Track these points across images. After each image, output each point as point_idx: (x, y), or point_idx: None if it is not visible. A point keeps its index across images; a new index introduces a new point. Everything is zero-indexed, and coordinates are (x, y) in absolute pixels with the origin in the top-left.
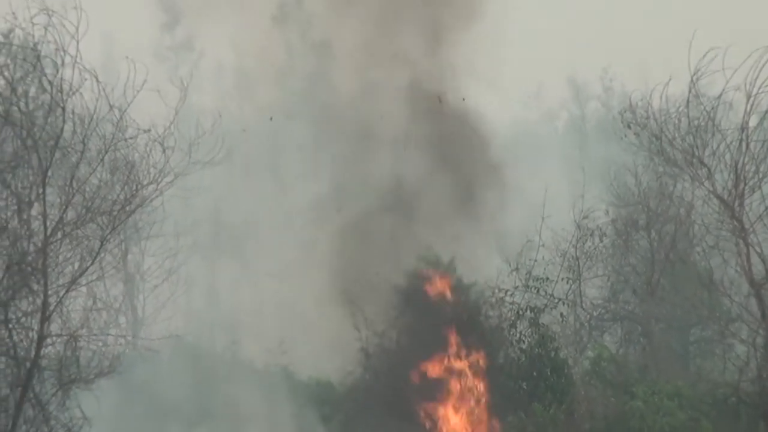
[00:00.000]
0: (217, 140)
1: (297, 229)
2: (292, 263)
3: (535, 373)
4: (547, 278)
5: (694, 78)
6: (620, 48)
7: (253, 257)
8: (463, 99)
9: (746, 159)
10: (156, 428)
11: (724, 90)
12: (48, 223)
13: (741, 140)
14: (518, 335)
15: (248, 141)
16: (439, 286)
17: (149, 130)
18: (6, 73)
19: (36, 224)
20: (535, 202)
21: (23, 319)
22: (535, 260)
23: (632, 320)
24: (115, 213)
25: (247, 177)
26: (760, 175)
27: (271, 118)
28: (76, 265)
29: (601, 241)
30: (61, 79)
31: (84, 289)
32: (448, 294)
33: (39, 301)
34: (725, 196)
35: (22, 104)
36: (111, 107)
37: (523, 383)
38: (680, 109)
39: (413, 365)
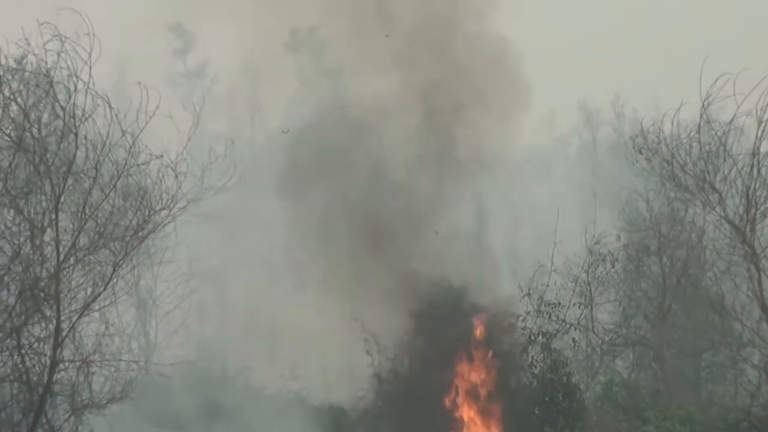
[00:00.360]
0: (230, 166)
1: (309, 254)
2: (304, 288)
3: (547, 398)
4: (559, 303)
5: (706, 103)
6: (632, 74)
7: (266, 283)
8: None
9: (757, 184)
10: None
11: (735, 115)
12: (61, 249)
13: (752, 166)
14: (530, 360)
15: (260, 165)
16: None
17: (162, 156)
18: (19, 100)
19: (49, 250)
20: (547, 227)
21: (36, 345)
22: (547, 285)
23: (644, 345)
24: (127, 239)
25: (260, 201)
26: None
27: (287, 131)
28: (89, 290)
29: (613, 266)
30: (74, 105)
31: (96, 314)
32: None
33: (52, 327)
34: (737, 222)
35: (34, 130)
36: (123, 133)
37: (535, 408)
38: (691, 135)
39: (426, 390)
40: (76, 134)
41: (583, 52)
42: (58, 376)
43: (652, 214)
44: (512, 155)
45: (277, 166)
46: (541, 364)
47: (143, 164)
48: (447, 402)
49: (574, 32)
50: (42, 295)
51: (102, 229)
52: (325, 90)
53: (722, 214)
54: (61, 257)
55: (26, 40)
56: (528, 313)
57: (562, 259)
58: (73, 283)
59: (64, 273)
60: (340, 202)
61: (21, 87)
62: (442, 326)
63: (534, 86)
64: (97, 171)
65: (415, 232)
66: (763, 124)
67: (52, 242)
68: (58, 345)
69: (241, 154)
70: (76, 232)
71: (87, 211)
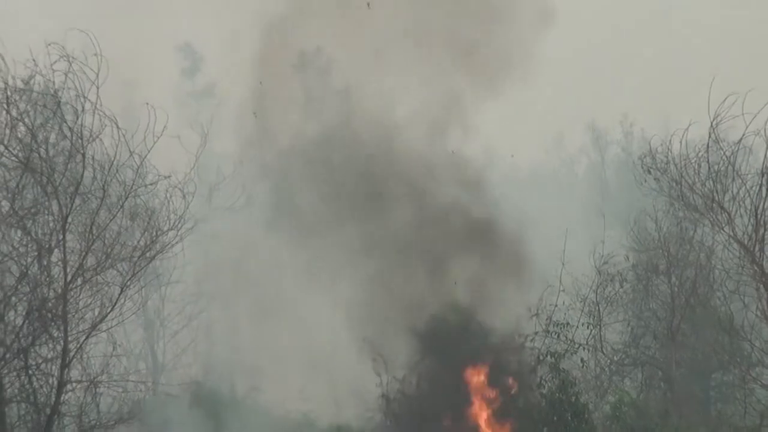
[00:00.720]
0: (237, 186)
1: (317, 274)
2: (312, 309)
3: (555, 418)
4: (568, 323)
5: (714, 123)
6: (640, 93)
7: (274, 303)
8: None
9: (766, 204)
10: None
11: (743, 135)
12: (68, 270)
13: (761, 185)
14: (539, 380)
15: (269, 186)
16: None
17: (169, 176)
18: (26, 120)
19: (56, 270)
20: (556, 247)
21: (43, 366)
22: (556, 305)
23: (653, 365)
24: (135, 259)
25: (268, 222)
26: None
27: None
28: (96, 311)
29: (622, 286)
30: (81, 125)
31: (104, 335)
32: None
33: (59, 348)
34: (745, 241)
35: (42, 151)
36: (131, 153)
37: (544, 428)
38: (700, 154)
39: (435, 411)
40: (83, 155)
41: (591, 72)
42: (66, 397)
43: (660, 234)
44: (521, 174)
45: (286, 185)
46: (550, 384)
47: (151, 185)
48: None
49: (582, 52)
50: (49, 315)
51: (109, 250)
52: (333, 110)
53: (731, 233)
54: (69, 278)
55: (34, 60)
56: (536, 333)
57: (571, 279)
58: (81, 304)
59: (72, 293)
60: (349, 219)
61: (29, 108)
62: (450, 346)
63: (542, 106)
64: (104, 191)
65: (424, 250)
66: None
67: (60, 263)
68: (65, 366)
69: (248, 174)
70: (84, 253)
71: (94, 231)
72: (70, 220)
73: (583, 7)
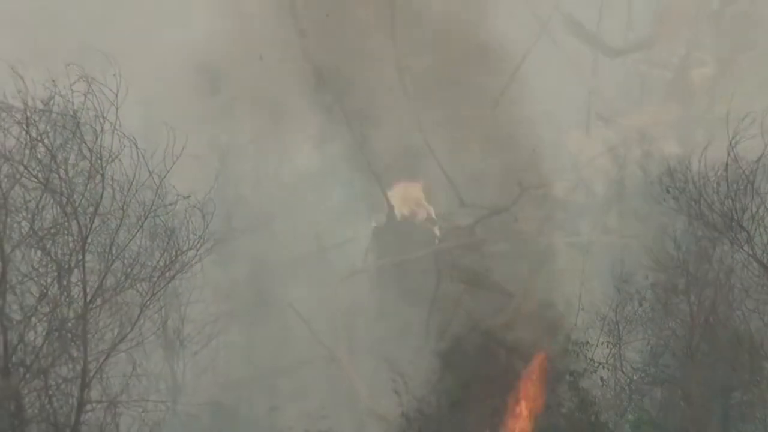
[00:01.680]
0: (256, 206)
1: (336, 292)
2: (331, 327)
3: None
4: (587, 342)
5: (733, 142)
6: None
7: (293, 322)
8: None
9: None
10: None
11: (763, 154)
12: (88, 290)
13: None
14: (558, 399)
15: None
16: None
17: (189, 197)
18: (46, 141)
19: (76, 291)
20: (574, 266)
21: (63, 386)
22: (575, 324)
23: (672, 384)
24: (154, 279)
25: (286, 240)
26: None
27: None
28: (116, 331)
29: (641, 305)
30: (101, 146)
31: (123, 355)
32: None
33: (79, 368)
34: (765, 260)
35: (62, 171)
36: (150, 173)
37: None
38: (719, 173)
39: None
40: (102, 175)
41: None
42: (86, 417)
43: (679, 253)
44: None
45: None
46: (570, 404)
47: (170, 205)
48: None
49: (594, 66)
50: (69, 335)
51: (129, 270)
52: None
53: (750, 252)
54: (88, 298)
55: (53, 81)
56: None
57: (590, 298)
58: (101, 324)
59: (91, 313)
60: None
61: (48, 128)
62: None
63: None
64: (123, 212)
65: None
66: None
67: (79, 283)
68: (85, 386)
69: (268, 193)
70: (103, 273)
71: (114, 251)
72: (89, 240)
73: (597, 20)
